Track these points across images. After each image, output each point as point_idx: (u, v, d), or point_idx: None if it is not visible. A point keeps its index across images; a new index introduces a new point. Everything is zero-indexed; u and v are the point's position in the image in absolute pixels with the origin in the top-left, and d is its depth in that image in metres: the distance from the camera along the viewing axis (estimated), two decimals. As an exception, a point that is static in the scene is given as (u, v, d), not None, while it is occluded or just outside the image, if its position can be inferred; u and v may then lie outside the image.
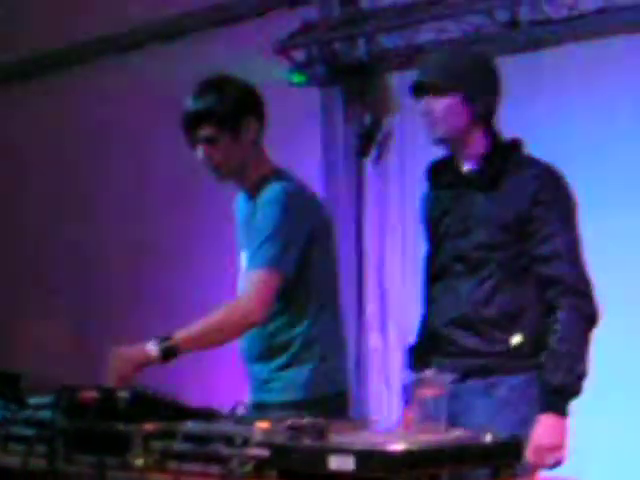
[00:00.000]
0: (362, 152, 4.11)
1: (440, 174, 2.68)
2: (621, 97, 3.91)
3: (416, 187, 3.04)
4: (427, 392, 2.14)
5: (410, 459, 1.89)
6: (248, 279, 2.78)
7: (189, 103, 2.79)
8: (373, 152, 4.19)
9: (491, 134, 2.62)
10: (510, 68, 3.16)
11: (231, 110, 2.76)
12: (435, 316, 2.65)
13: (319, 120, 4.07)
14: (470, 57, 2.81)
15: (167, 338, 2.62)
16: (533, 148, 2.67)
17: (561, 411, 2.44)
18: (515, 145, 2.64)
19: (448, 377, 2.11)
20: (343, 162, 4.31)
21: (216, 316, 2.73)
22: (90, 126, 5.26)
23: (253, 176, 2.84)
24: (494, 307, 2.49)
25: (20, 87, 5.70)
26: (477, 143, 2.58)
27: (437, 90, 2.53)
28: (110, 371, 2.60)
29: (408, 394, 2.42)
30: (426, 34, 4.05)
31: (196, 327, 2.71)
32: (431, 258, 2.71)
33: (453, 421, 2.21)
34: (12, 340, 5.21)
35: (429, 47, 3.96)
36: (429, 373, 2.25)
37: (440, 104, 2.52)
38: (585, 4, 4.00)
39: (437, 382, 2.08)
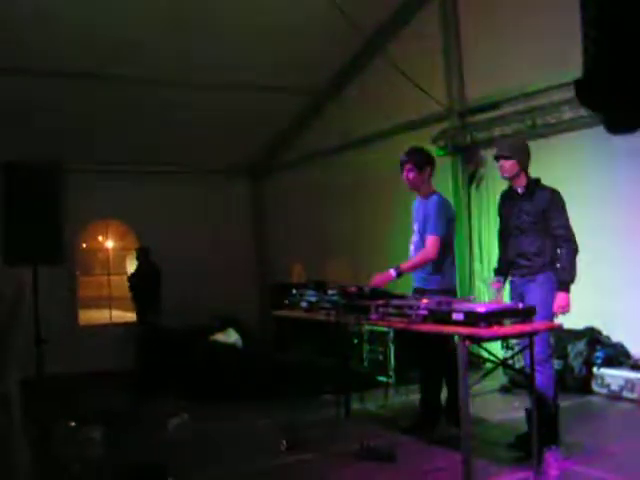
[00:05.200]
0: (469, 183, 7.20)
1: (505, 193, 5.22)
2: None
3: (494, 197, 5.66)
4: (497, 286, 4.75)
5: (486, 314, 4.15)
6: (427, 239, 5.44)
7: (403, 155, 5.55)
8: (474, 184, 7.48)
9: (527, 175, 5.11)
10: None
11: (420, 160, 5.50)
12: (506, 253, 5.15)
13: (450, 169, 7.35)
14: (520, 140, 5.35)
15: (398, 267, 5.32)
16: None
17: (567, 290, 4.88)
18: (538, 180, 5.08)
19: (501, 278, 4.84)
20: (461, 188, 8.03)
21: (417, 256, 5.42)
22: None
23: (425, 191, 5.53)
24: (533, 248, 4.97)
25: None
26: (521, 179, 5.06)
27: (505, 157, 5.02)
28: (372, 281, 5.31)
29: (495, 288, 5.02)
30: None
31: (409, 262, 5.42)
32: (502, 228, 5.22)
33: (521, 296, 4.84)
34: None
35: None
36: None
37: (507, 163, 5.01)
38: None
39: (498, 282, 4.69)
